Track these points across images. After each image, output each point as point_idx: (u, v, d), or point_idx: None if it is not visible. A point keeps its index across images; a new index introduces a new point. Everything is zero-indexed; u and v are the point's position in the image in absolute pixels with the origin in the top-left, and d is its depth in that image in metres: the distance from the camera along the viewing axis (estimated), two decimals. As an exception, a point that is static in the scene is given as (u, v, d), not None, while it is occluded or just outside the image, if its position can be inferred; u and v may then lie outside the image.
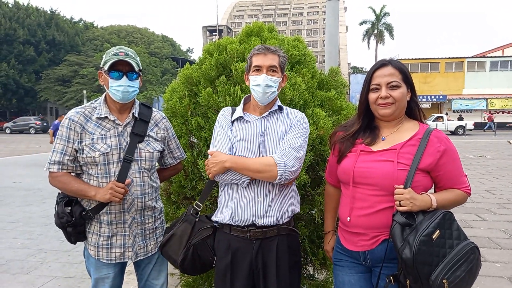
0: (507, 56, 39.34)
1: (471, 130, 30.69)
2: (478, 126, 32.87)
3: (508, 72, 37.31)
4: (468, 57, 38.63)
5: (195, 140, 2.68)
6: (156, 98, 35.29)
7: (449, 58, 38.51)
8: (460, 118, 32.20)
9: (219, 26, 42.90)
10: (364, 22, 51.95)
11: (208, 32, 45.11)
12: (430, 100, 37.37)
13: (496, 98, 37.08)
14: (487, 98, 37.13)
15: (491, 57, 39.74)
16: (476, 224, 5.84)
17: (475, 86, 37.45)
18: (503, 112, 37.79)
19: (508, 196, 7.84)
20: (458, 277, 1.53)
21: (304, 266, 2.75)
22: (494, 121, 32.05)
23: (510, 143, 21.18)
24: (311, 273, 2.81)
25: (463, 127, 29.92)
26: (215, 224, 2.03)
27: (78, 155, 2.01)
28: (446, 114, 32.18)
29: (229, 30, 42.98)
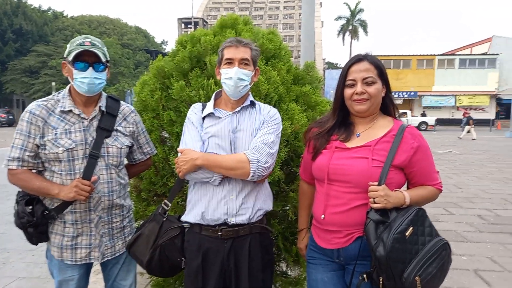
0: (475, 54, 40.74)
1: (433, 126, 32.30)
2: (441, 122, 34.32)
3: (476, 70, 38.66)
4: (438, 55, 39.77)
5: (166, 135, 2.60)
6: (129, 91, 34.52)
7: (420, 55, 39.53)
8: (423, 114, 33.97)
9: (194, 18, 42.30)
10: (339, 17, 52.54)
11: (183, 25, 44.41)
12: (401, 96, 38.32)
13: (464, 95, 38.41)
14: (456, 95, 38.39)
15: (460, 55, 41.03)
16: (444, 218, 6.01)
17: (444, 83, 38.63)
18: (470, 109, 39.18)
19: (474, 190, 8.11)
20: (430, 274, 1.54)
21: (277, 263, 2.72)
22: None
23: (460, 138, 22.35)
24: (284, 270, 2.79)
25: (425, 123, 31.64)
26: (184, 224, 1.96)
27: (40, 151, 1.88)
28: (411, 110, 33.55)
29: (204, 23, 42.47)
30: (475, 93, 38.40)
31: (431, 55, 39.45)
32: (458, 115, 38.31)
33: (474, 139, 21.76)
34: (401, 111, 31.79)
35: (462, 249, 4.67)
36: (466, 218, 6.03)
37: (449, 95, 38.52)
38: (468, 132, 23.31)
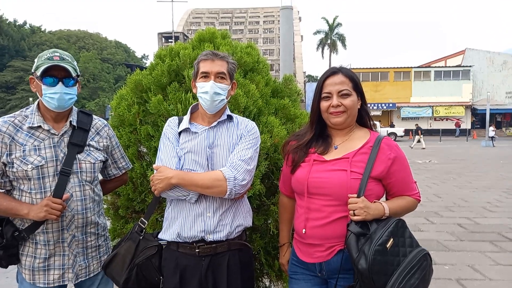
0: (449, 67, 42.07)
1: (401, 136, 33.91)
2: (407, 133, 35.83)
3: (450, 81, 39.87)
4: (414, 67, 40.89)
5: (144, 150, 2.54)
6: (109, 105, 34.15)
7: (397, 68, 40.56)
8: (392, 125, 35.98)
9: (175, 33, 42.40)
10: (318, 32, 53.57)
11: (163, 39, 44.44)
12: (380, 108, 39.11)
13: (441, 105, 39.47)
14: (433, 106, 39.41)
15: (436, 67, 42.27)
16: (425, 228, 6.08)
17: (421, 94, 39.67)
18: (447, 119, 40.24)
19: (454, 199, 8.25)
20: (412, 285, 1.53)
21: (260, 278, 2.68)
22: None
23: (412, 148, 23.00)
24: (267, 285, 2.75)
25: (394, 134, 33.26)
26: (161, 242, 1.91)
27: (7, 169, 1.80)
28: (379, 121, 35.00)
29: (185, 37, 42.60)
30: (451, 103, 39.53)
31: (407, 67, 40.53)
32: (436, 125, 39.33)
33: (423, 148, 22.80)
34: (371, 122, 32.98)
35: (444, 258, 4.71)
36: (446, 227, 6.11)
37: (426, 106, 39.52)
38: (418, 141, 24.39)
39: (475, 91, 40.57)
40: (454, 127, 39.53)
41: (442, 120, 40.15)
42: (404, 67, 40.60)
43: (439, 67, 42.28)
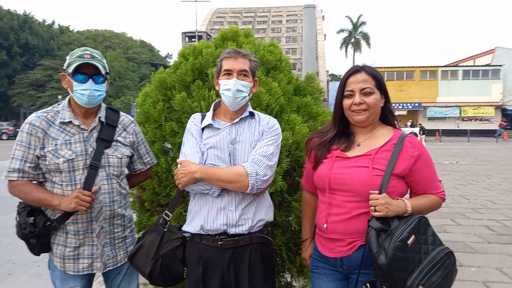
0: (478, 66, 40.77)
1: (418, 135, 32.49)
2: (446, 133, 34.92)
3: (479, 81, 38.66)
4: (441, 66, 39.86)
5: (169, 146, 2.61)
6: (134, 103, 34.86)
7: (423, 67, 39.64)
8: (412, 125, 34.56)
9: (198, 32, 42.80)
10: (342, 30, 53.01)
11: (187, 38, 44.92)
12: (406, 107, 38.32)
13: (469, 106, 38.32)
14: (460, 106, 38.33)
15: (464, 66, 41.08)
16: (451, 229, 5.94)
17: (448, 94, 38.62)
18: (475, 120, 39.06)
19: (481, 201, 8.03)
20: (434, 283, 1.52)
21: (281, 274, 2.70)
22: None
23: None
24: (288, 280, 2.77)
25: (415, 134, 32.05)
26: (185, 234, 1.96)
27: (40, 162, 1.89)
28: (400, 121, 34.34)
29: (208, 36, 42.94)
30: (479, 104, 38.33)
31: (434, 66, 39.54)
32: (463, 125, 38.22)
33: None
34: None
35: (470, 260, 4.60)
36: (473, 229, 5.96)
37: (453, 106, 38.46)
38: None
39: (506, 91, 39.15)
40: (482, 128, 38.31)
41: (471, 120, 38.98)
42: (431, 66, 39.64)
43: (467, 66, 41.08)
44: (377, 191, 1.63)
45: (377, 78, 1.78)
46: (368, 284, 1.62)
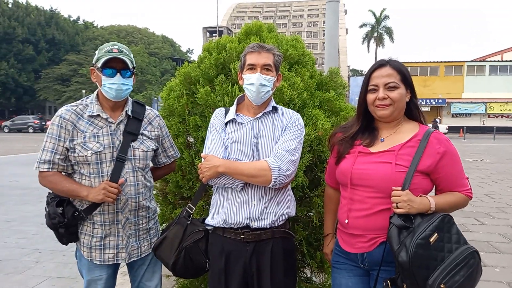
0: (506, 61, 39.43)
1: (445, 133, 31.49)
2: (471, 130, 33.80)
3: (507, 77, 37.40)
4: (467, 61, 38.74)
5: (192, 140, 2.64)
6: (155, 98, 35.30)
7: (448, 62, 38.62)
8: (434, 122, 33.60)
9: (219, 27, 42.95)
10: (364, 25, 52.12)
11: (208, 33, 45.15)
12: (429, 103, 37.46)
13: (495, 102, 37.17)
14: (486, 102, 37.21)
15: (491, 61, 39.81)
16: (475, 228, 5.81)
17: (474, 90, 37.54)
18: (502, 117, 37.87)
19: (507, 200, 7.80)
20: (457, 282, 1.49)
21: (302, 269, 2.71)
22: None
23: None
24: (309, 276, 2.77)
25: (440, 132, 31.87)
26: (207, 227, 1.99)
27: (69, 154, 1.95)
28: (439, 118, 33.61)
29: (229, 31, 43.01)
30: (506, 100, 37.10)
31: (460, 61, 38.47)
32: (489, 122, 37.12)
33: None
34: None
35: (494, 260, 4.49)
36: (498, 228, 5.81)
37: (479, 102, 37.37)
38: None
39: (535, 87, 37.76)
40: (509, 125, 37.13)
41: (497, 117, 37.81)
42: (456, 61, 38.58)
43: (494, 61, 39.77)
44: (400, 188, 1.61)
45: (403, 72, 1.74)
46: (388, 281, 1.61)
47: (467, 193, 1.73)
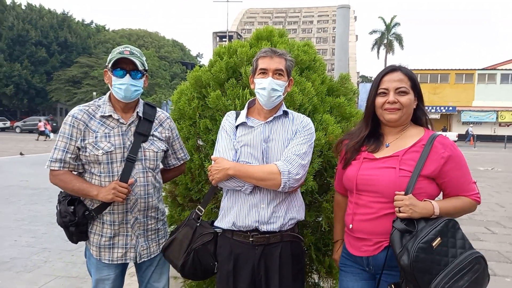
0: (518, 69, 38.98)
1: (455, 141, 31.08)
2: (482, 138, 33.53)
3: (519, 85, 36.94)
4: (478, 69, 38.38)
5: (202, 143, 2.66)
6: (165, 101, 35.51)
7: (459, 69, 38.29)
8: (444, 130, 33.53)
9: (229, 32, 43.17)
10: (374, 31, 51.97)
11: (218, 38, 45.39)
12: (439, 111, 37.14)
13: (507, 111, 36.71)
14: (497, 111, 36.79)
15: (502, 69, 39.38)
16: (485, 237, 5.73)
17: (485, 98, 37.13)
18: (513, 125, 37.40)
19: (518, 210, 7.70)
20: (461, 287, 1.48)
21: (309, 274, 2.70)
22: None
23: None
24: (316, 281, 2.76)
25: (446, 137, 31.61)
26: (217, 229, 1.99)
27: (80, 153, 1.98)
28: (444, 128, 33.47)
29: (239, 36, 43.19)
30: (518, 109, 36.63)
31: (470, 69, 38.12)
32: (500, 131, 36.67)
33: None
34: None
35: (505, 270, 4.43)
36: (509, 238, 5.73)
37: (490, 111, 36.95)
38: None
39: (547, 96, 37.22)
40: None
41: (508, 126, 37.32)
42: (467, 69, 38.22)
43: (506, 69, 39.34)
44: (403, 192, 1.61)
45: (413, 78, 1.76)
46: (393, 285, 1.61)
47: (474, 198, 1.71)
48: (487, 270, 1.57)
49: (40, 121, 28.60)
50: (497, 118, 36.99)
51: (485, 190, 9.87)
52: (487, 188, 10.22)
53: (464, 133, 34.31)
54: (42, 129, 27.07)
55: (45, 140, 26.03)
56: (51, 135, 27.25)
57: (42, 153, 16.86)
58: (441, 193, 1.75)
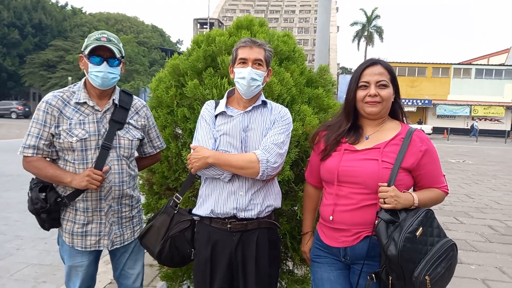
0: (491, 65, 40.16)
1: (429, 134, 32.15)
2: (455, 131, 34.74)
3: (492, 80, 38.12)
4: (454, 64, 39.31)
5: (180, 131, 2.65)
6: (143, 88, 34.87)
7: (436, 63, 39.13)
8: (419, 122, 34.15)
9: (210, 19, 42.62)
10: (355, 23, 52.37)
11: (198, 25, 44.79)
12: (415, 104, 37.95)
13: (480, 105, 37.86)
14: (471, 105, 37.89)
15: (477, 64, 40.47)
16: (454, 227, 5.96)
17: (460, 92, 38.16)
18: (485, 119, 38.64)
19: (486, 200, 8.01)
20: (438, 274, 1.57)
21: (284, 261, 2.75)
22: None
23: None
24: (291, 268, 2.82)
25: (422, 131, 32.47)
26: (194, 217, 2.01)
27: (54, 140, 1.95)
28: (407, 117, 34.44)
29: (220, 24, 42.71)
30: (490, 103, 37.83)
31: (447, 63, 39.01)
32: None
33: None
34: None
35: (471, 258, 4.63)
36: (476, 228, 5.97)
37: (464, 105, 38.02)
38: None
39: (518, 92, 38.55)
40: (492, 128, 37.91)
41: (481, 120, 38.55)
42: (443, 63, 39.10)
43: (481, 65, 40.44)
44: (386, 184, 1.66)
45: (392, 72, 1.81)
46: (373, 275, 1.66)
47: (444, 189, 1.82)
48: (457, 256, 1.68)
49: None
50: (470, 112, 38.11)
51: (455, 181, 10.22)
52: (458, 180, 10.57)
53: (439, 126, 35.17)
54: None
55: None
56: None
57: (13, 139, 16.35)
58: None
